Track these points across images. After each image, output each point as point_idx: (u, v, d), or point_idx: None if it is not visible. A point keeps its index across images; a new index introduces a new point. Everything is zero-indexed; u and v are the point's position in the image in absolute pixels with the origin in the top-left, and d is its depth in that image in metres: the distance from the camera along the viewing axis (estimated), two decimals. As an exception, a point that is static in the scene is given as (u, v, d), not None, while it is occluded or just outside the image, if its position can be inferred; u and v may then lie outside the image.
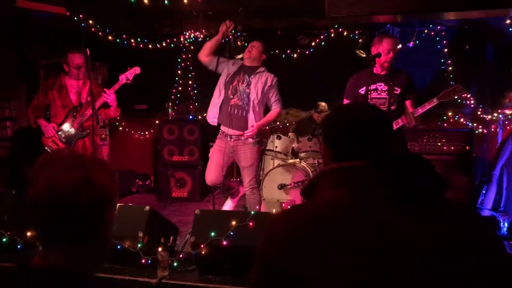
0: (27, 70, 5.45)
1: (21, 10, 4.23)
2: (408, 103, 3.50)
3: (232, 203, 4.15)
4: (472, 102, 5.11)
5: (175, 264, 2.87)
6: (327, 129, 1.24)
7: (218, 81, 3.84)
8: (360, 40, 5.21)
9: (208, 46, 3.82)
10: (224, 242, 2.71)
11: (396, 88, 3.44)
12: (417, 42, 5.12)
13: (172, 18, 5.53)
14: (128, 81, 3.97)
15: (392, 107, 3.44)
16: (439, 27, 5.12)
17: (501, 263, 1.04)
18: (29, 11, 4.29)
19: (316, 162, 4.79)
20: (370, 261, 0.95)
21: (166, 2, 4.42)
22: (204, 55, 3.82)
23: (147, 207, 2.98)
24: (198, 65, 4.17)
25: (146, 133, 6.14)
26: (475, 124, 5.17)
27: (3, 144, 5.24)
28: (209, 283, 2.68)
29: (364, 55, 4.94)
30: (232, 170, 4.39)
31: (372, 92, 3.44)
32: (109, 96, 3.89)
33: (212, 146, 3.98)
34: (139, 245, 2.81)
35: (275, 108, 3.84)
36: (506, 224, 3.84)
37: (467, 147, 4.75)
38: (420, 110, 3.35)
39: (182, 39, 5.64)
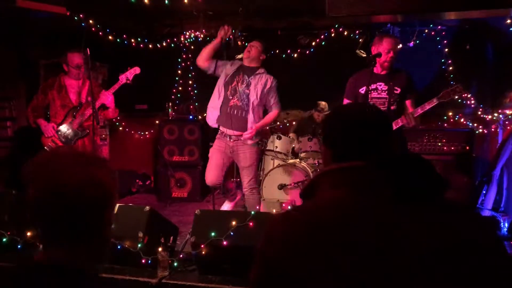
0: (27, 70, 5.45)
1: (21, 10, 4.22)
2: (408, 103, 3.50)
3: (230, 206, 4.14)
4: (472, 102, 5.10)
5: (175, 264, 2.87)
6: (327, 129, 1.25)
7: (217, 83, 3.84)
8: (360, 40, 5.20)
9: (206, 51, 3.80)
10: (224, 242, 2.70)
11: (396, 88, 3.44)
12: (417, 42, 5.11)
13: (172, 18, 5.52)
14: (128, 81, 3.98)
15: (392, 107, 3.45)
16: (439, 27, 5.11)
17: (501, 263, 1.04)
18: (29, 11, 4.29)
19: (316, 162, 4.78)
20: (370, 261, 0.95)
21: (166, 2, 4.42)
22: (202, 60, 3.81)
23: (147, 207, 2.97)
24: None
25: (146, 133, 6.14)
26: (475, 124, 5.16)
27: (3, 144, 5.23)
28: (209, 283, 2.67)
29: (365, 55, 4.93)
30: (232, 170, 4.38)
31: (372, 91, 3.44)
32: (107, 97, 3.90)
33: (212, 146, 3.98)
34: (139, 245, 2.80)
35: (274, 110, 3.84)
36: (506, 224, 3.83)
37: (467, 147, 4.74)
38: (420, 110, 3.35)
39: (182, 39, 5.64)
